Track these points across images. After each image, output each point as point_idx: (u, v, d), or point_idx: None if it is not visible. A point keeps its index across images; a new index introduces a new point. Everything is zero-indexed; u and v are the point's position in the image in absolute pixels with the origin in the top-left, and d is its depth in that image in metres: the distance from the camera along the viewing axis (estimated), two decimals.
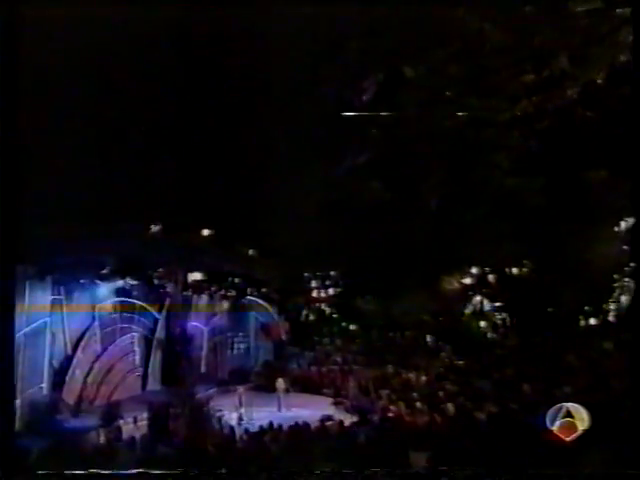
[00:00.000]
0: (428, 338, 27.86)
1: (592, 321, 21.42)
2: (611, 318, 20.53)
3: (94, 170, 14.96)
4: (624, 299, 19.83)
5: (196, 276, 21.21)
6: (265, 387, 22.92)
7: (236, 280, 23.99)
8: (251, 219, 19.93)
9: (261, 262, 23.80)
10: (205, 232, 19.71)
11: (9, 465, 8.80)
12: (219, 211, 18.11)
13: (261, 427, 15.75)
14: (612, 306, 20.53)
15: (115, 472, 9.76)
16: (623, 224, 20.53)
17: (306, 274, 30.35)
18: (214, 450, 14.12)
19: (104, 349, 20.83)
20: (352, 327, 30.62)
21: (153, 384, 23.06)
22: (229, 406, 18.72)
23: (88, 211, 15.44)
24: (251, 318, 26.51)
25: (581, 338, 21.06)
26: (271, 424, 15.00)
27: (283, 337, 25.28)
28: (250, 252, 23.34)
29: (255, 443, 14.00)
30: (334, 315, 31.10)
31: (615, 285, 20.59)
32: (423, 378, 21.66)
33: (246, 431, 15.46)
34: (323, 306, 31.15)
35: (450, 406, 15.70)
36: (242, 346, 26.09)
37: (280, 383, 20.73)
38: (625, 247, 20.67)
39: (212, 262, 20.43)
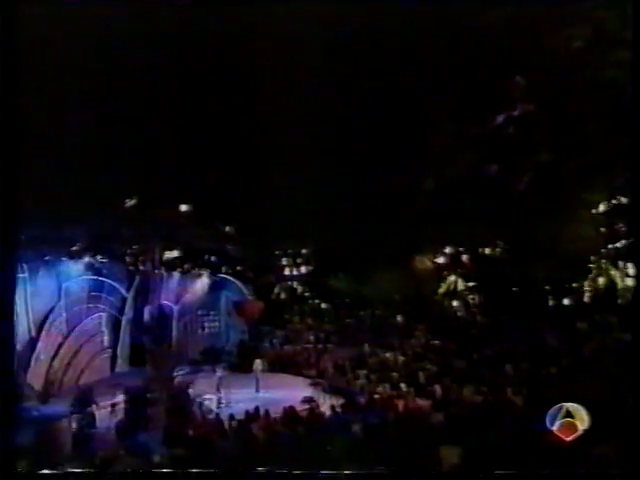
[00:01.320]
0: (402, 318, 27.64)
1: (566, 301, 21.47)
2: (586, 299, 20.61)
3: (62, 139, 13.61)
4: (601, 280, 19.91)
5: (170, 253, 20.00)
6: (240, 367, 22.18)
7: (211, 258, 22.95)
8: (229, 195, 18.94)
9: (238, 239, 22.82)
10: (182, 208, 18.49)
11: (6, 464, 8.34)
12: (197, 186, 17.00)
13: (242, 412, 15.01)
14: (588, 287, 20.60)
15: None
16: (601, 207, 20.57)
17: (280, 252, 29.57)
18: (194, 436, 13.34)
19: (70, 330, 19.55)
20: (324, 306, 30.13)
21: (122, 365, 21.98)
22: (205, 388, 17.82)
23: (56, 183, 14.08)
24: (224, 297, 25.57)
25: (556, 319, 21.11)
26: (256, 409, 14.16)
27: (257, 316, 24.43)
28: (227, 229, 22.33)
29: (237, 428, 13.22)
30: (307, 294, 30.50)
31: (591, 266, 20.66)
32: (401, 358, 21.29)
33: (225, 416, 14.59)
34: (296, 285, 30.50)
35: (437, 388, 15.29)
36: (215, 325, 25.17)
37: (257, 364, 19.94)
38: (602, 229, 20.76)
39: (188, 239, 19.25)
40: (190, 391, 16.23)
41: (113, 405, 16.05)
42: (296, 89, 23.30)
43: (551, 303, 22.16)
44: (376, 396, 15.49)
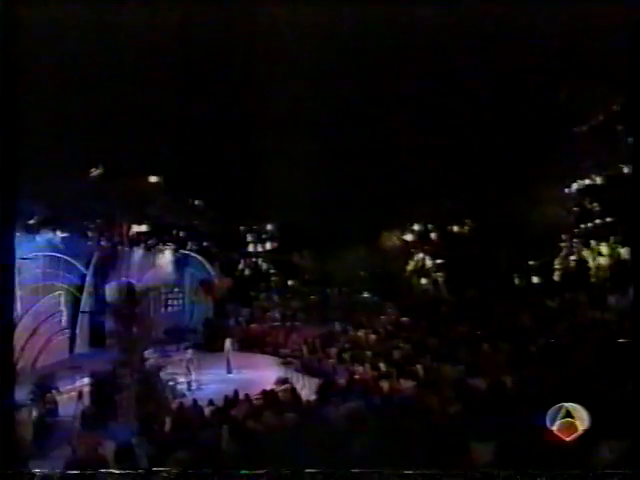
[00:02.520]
0: (370, 295, 27.20)
1: (536, 279, 21.41)
2: (556, 277, 20.56)
3: (19, 103, 11.97)
4: (572, 259, 19.86)
5: (135, 228, 18.52)
6: (208, 347, 21.18)
7: (177, 233, 21.61)
8: (199, 167, 17.63)
9: (206, 214, 21.54)
10: (151, 179, 16.98)
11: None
12: (166, 157, 15.65)
13: (215, 395, 14.08)
14: (558, 265, 20.55)
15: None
16: (573, 186, 20.45)
17: (245, 228, 28.48)
18: (169, 424, 12.36)
19: (26, 310, 17.99)
20: (290, 283, 29.35)
21: (82, 346, 20.59)
22: (174, 369, 16.77)
23: (9, 149, 12.39)
24: (189, 274, 24.35)
25: (526, 297, 21.03)
26: (235, 393, 13.20)
27: (224, 294, 23.38)
28: (196, 202, 20.99)
29: (215, 414, 12.30)
30: (272, 271, 29.60)
31: (562, 245, 20.59)
32: (372, 336, 20.75)
33: (200, 400, 13.63)
34: (261, 261, 29.55)
35: (420, 368, 14.76)
36: (179, 303, 23.97)
37: (228, 344, 18.98)
38: (575, 209, 20.69)
39: (154, 212, 17.80)
40: (159, 374, 15.18)
41: (76, 390, 14.83)
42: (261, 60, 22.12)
43: (520, 281, 22.07)
44: (356, 376, 14.79)
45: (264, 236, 29.82)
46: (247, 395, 12.83)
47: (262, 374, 17.93)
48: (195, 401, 12.72)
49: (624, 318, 16.16)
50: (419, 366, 14.82)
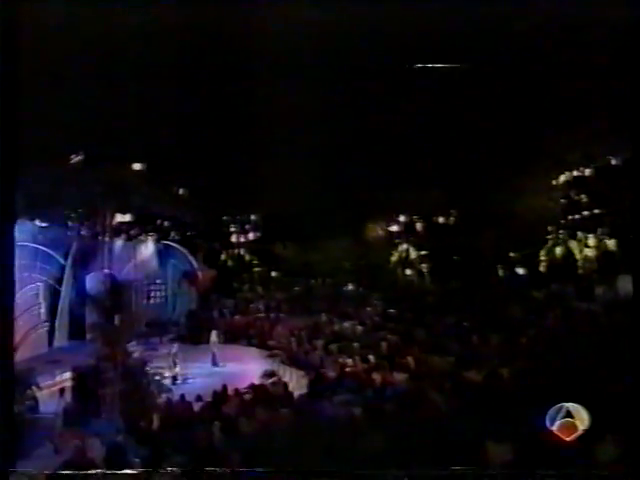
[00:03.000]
0: (354, 286, 26.91)
1: (521, 271, 21.32)
2: (542, 268, 20.50)
3: None
4: (559, 251, 19.80)
5: (117, 217, 17.75)
6: (192, 339, 20.67)
7: (160, 223, 20.93)
8: (185, 155, 17.00)
9: (190, 204, 20.88)
10: (133, 167, 16.21)
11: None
12: (150, 144, 14.99)
13: (202, 389, 13.69)
14: (544, 257, 20.47)
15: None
16: (561, 178, 20.33)
17: (228, 218, 27.86)
18: (152, 419, 11.91)
19: None
20: (274, 274, 28.89)
21: (61, 339, 19.89)
22: (158, 363, 16.26)
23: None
24: (172, 265, 23.71)
25: (511, 287, 20.96)
26: (223, 388, 12.79)
27: (209, 286, 22.82)
28: (180, 191, 20.32)
29: (205, 410, 11.91)
30: (255, 262, 29.09)
31: (548, 237, 20.52)
32: (359, 328, 20.51)
33: (188, 395, 13.19)
34: (244, 252, 29.00)
35: (411, 360, 14.55)
36: (162, 295, 23.33)
37: (214, 336, 18.52)
38: (563, 201, 20.61)
39: (137, 201, 17.08)
40: (143, 368, 14.69)
41: (57, 385, 14.25)
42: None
43: (506, 272, 21.98)
44: (347, 369, 14.53)
45: (247, 226, 29.25)
46: (236, 390, 12.49)
47: (248, 367, 17.57)
48: (182, 396, 12.30)
49: (612, 310, 16.21)
50: (410, 358, 14.65)
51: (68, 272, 21.01)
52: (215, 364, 17.62)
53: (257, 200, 28.47)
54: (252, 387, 13.45)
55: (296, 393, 13.65)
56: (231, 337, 20.74)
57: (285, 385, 14.47)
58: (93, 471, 8.37)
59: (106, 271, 21.17)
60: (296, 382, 15.69)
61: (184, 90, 18.21)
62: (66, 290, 20.94)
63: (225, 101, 21.86)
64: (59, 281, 20.48)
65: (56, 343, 19.70)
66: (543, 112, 21.78)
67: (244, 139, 24.84)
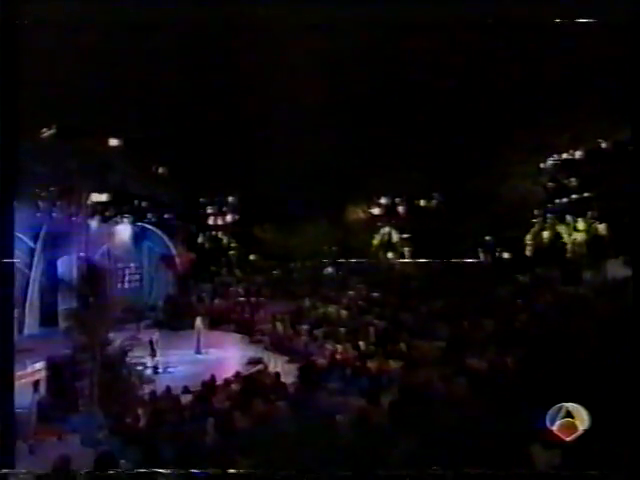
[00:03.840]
0: (335, 270, 26.25)
1: (507, 255, 20.97)
2: (528, 252, 20.15)
3: None
4: (546, 235, 19.43)
5: (92, 196, 16.44)
6: (171, 325, 19.73)
7: (138, 203, 19.69)
8: (165, 131, 15.86)
9: (169, 184, 19.71)
10: (108, 142, 14.83)
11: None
12: (129, 118, 13.77)
13: (187, 379, 12.85)
14: (529, 240, 20.11)
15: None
16: (549, 161, 19.89)
17: (206, 199, 26.77)
18: (134, 413, 11.05)
19: None
20: (252, 257, 28.01)
21: (32, 326, 18.70)
22: (138, 351, 15.28)
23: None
24: (147, 247, 22.58)
25: (496, 271, 20.62)
26: (211, 378, 11.92)
27: (187, 269, 21.80)
28: (157, 170, 19.09)
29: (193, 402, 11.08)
30: (233, 244, 28.14)
31: (534, 220, 20.14)
32: (344, 312, 19.87)
33: (173, 387, 12.30)
34: (222, 235, 28.00)
35: (403, 346, 13.97)
36: (137, 279, 22.23)
37: (198, 322, 17.61)
38: (550, 184, 20.18)
39: (111, 179, 15.79)
40: (122, 357, 13.72)
41: (29, 376, 13.18)
42: None
43: (490, 256, 21.62)
44: (338, 356, 13.85)
45: (225, 208, 28.22)
46: (226, 380, 11.69)
47: (232, 354, 16.80)
48: (169, 388, 11.41)
49: (600, 294, 15.96)
50: (402, 344, 14.07)
51: (38, 255, 19.78)
52: (199, 351, 16.75)
53: (235, 181, 27.55)
54: (239, 376, 12.69)
55: (285, 381, 12.95)
56: (212, 322, 19.84)
57: (275, 374, 13.75)
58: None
59: (79, 254, 20.01)
60: (282, 369, 15.00)
61: (164, 64, 17.05)
62: (36, 274, 19.72)
63: (205, 78, 20.72)
64: (28, 265, 19.25)
65: (26, 330, 18.51)
66: (529, 92, 21.33)
67: (222, 118, 23.76)
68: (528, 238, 20.07)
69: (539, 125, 19.87)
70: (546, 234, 19.28)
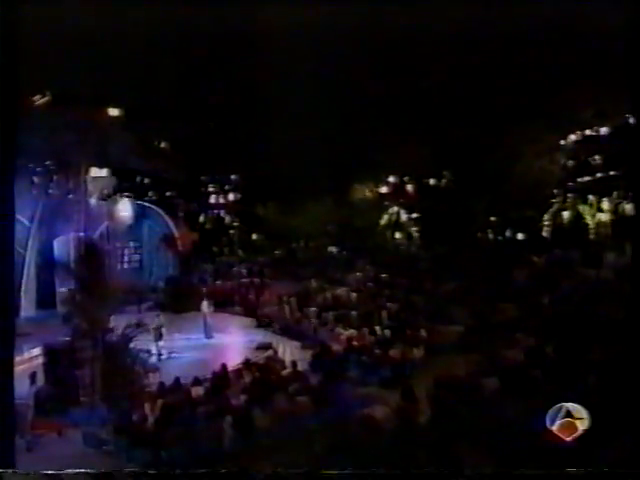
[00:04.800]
0: (340, 250, 25.30)
1: (521, 236, 20.01)
2: (545, 233, 19.18)
3: None
4: (566, 215, 18.42)
5: (90, 172, 15.21)
6: (173, 307, 18.77)
7: (138, 179, 18.50)
8: (167, 103, 14.63)
9: (171, 160, 18.49)
10: (110, 112, 13.52)
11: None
12: (130, 87, 12.52)
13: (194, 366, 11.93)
14: (547, 221, 19.12)
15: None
16: (571, 137, 18.76)
17: (207, 177, 25.62)
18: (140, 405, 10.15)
19: None
20: (255, 237, 27.01)
21: (28, 309, 17.72)
22: (142, 336, 14.29)
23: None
24: (148, 227, 21.49)
25: (510, 254, 19.67)
26: (223, 368, 10.93)
27: (189, 249, 20.74)
28: (159, 145, 17.84)
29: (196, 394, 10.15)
30: (235, 224, 27.10)
31: (553, 200, 19.13)
32: (354, 294, 18.92)
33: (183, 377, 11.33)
34: (224, 214, 26.94)
35: (423, 332, 13.04)
36: (138, 259, 21.21)
37: (205, 305, 16.63)
38: (571, 162, 19.09)
39: (111, 153, 14.56)
40: (125, 342, 12.75)
41: (27, 363, 12.25)
42: None
43: (503, 237, 20.69)
44: (355, 343, 12.91)
45: (227, 187, 27.11)
46: (238, 372, 10.75)
47: (239, 338, 15.90)
48: (178, 380, 10.44)
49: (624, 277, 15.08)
50: (423, 330, 13.17)
51: (34, 234, 18.75)
52: (208, 336, 15.79)
53: (238, 159, 26.40)
54: (249, 363, 11.79)
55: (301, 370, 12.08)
56: (217, 305, 18.85)
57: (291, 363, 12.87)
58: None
59: (76, 233, 18.95)
60: (293, 355, 14.13)
61: (170, 33, 15.72)
62: (31, 255, 18.70)
63: (211, 53, 19.46)
64: (24, 245, 18.20)
65: (23, 313, 17.52)
66: (548, 63, 20.17)
67: (226, 93, 22.54)
68: (546, 218, 19.10)
69: (559, 99, 18.77)
70: (566, 214, 18.30)
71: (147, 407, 9.00)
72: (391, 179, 25.09)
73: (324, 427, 8.12)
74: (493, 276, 18.18)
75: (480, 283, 17.71)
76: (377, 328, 13.90)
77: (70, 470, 7.14)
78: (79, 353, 11.35)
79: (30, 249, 17.94)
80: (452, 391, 8.58)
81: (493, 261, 19.52)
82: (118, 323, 13.35)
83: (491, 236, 22.25)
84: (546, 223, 19.04)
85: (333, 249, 26.07)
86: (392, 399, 9.37)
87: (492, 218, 21.66)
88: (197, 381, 10.03)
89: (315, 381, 10.23)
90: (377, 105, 24.37)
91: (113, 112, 13.36)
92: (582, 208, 17.70)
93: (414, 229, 23.90)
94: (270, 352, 14.32)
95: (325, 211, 25.49)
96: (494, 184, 21.73)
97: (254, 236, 27.24)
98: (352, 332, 13.97)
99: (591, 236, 17.49)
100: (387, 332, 13.46)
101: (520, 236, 20.10)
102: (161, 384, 10.60)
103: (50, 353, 11.50)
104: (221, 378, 10.31)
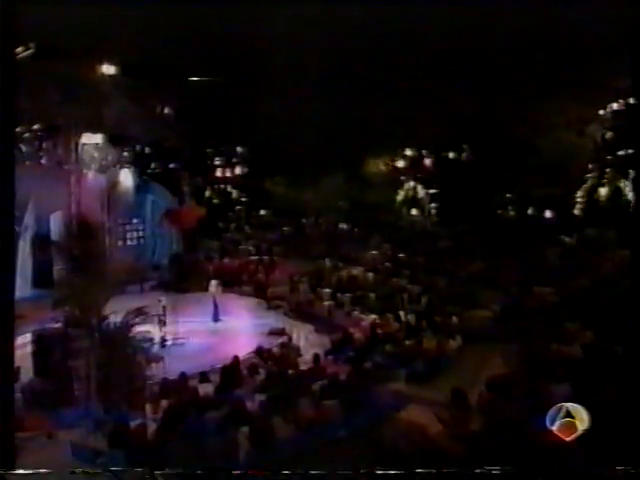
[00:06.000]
0: (351, 227, 23.86)
1: (550, 214, 18.51)
2: (577, 211, 17.67)
3: None
4: (603, 191, 16.85)
5: (84, 138, 13.62)
6: (177, 287, 17.49)
7: (139, 149, 17.00)
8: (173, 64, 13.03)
9: (175, 127, 16.89)
10: (106, 69, 11.84)
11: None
12: (130, 40, 10.92)
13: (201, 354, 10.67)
14: (580, 198, 17.61)
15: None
16: (608, 108, 17.05)
17: (212, 150, 24.11)
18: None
19: None
20: (263, 212, 25.61)
21: (23, 288, 16.42)
22: (144, 320, 12.96)
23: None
24: (150, 201, 20.07)
25: (537, 233, 18.21)
26: (235, 360, 9.63)
27: (194, 225, 19.30)
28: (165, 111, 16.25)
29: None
30: (243, 199, 25.67)
31: (589, 176, 17.55)
32: (371, 275, 17.58)
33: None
34: (230, 188, 25.51)
35: (455, 319, 11.70)
36: (140, 236, 19.82)
37: (213, 286, 15.34)
38: (609, 135, 17.35)
39: (109, 117, 12.92)
40: (125, 329, 11.43)
41: (21, 350, 10.95)
42: None
43: (528, 215, 19.22)
44: (379, 330, 11.58)
45: (234, 159, 25.62)
46: (251, 368, 9.42)
47: (249, 322, 14.62)
48: (184, 374, 9.16)
49: None
50: (454, 317, 11.82)
51: (29, 209, 17.43)
52: (217, 319, 14.50)
53: (245, 129, 24.82)
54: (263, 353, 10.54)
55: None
56: (224, 285, 17.58)
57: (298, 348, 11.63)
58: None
59: (73, 208, 17.55)
60: (308, 342, 12.88)
61: None
62: (26, 230, 17.39)
63: (229, 17, 17.75)
64: (18, 220, 16.87)
65: (17, 293, 16.24)
66: (581, 28, 18.42)
67: (234, 57, 20.88)
68: (579, 195, 17.57)
69: (593, 68, 17.11)
70: (603, 191, 16.76)
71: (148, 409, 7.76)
72: (408, 152, 23.53)
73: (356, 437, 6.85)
74: (520, 256, 16.84)
75: (507, 264, 16.40)
76: (401, 313, 12.57)
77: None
78: (72, 342, 10.07)
79: (25, 224, 16.61)
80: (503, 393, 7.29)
81: (519, 240, 18.14)
82: (118, 307, 12.05)
83: (513, 213, 20.82)
84: (579, 200, 17.54)
85: (344, 226, 24.68)
86: (428, 397, 8.14)
87: (514, 194, 20.17)
88: (204, 377, 8.75)
89: (339, 376, 8.88)
90: (393, 73, 22.65)
91: (108, 69, 11.72)
92: (618, 184, 16.16)
93: (432, 206, 22.43)
94: (284, 338, 13.09)
95: (337, 186, 24.00)
96: (519, 158, 20.21)
97: (262, 212, 25.91)
98: (374, 317, 12.62)
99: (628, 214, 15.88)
100: (412, 317, 12.12)
101: (548, 214, 18.60)
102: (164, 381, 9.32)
103: (39, 342, 10.20)
104: (231, 374, 9.02)
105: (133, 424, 7.22)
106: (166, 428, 6.80)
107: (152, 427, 7.03)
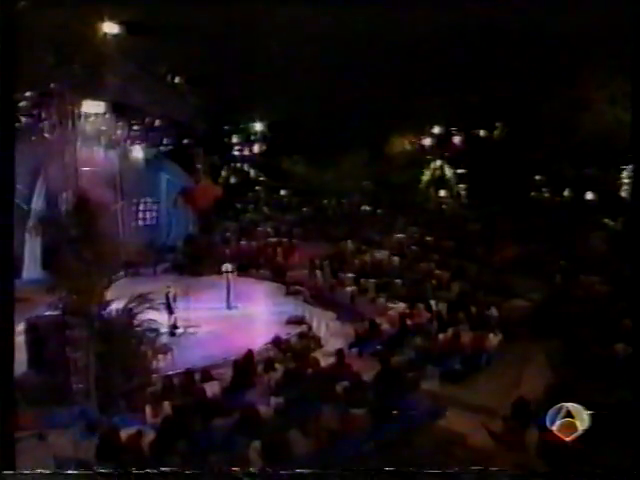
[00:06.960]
0: (373, 208, 22.69)
1: (580, 194, 17.11)
2: (623, 193, 16.21)
3: None
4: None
5: (92, 108, 12.53)
6: (192, 270, 16.63)
7: (149, 121, 15.91)
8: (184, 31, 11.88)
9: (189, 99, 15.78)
10: (109, 28, 10.57)
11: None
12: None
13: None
14: (613, 178, 16.16)
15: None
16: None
17: (231, 127, 23.02)
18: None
19: None
20: (285, 193, 24.55)
21: (32, 270, 15.69)
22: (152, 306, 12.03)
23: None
24: (165, 180, 19.13)
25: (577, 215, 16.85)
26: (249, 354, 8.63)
27: (211, 205, 18.33)
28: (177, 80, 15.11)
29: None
30: (261, 178, 24.64)
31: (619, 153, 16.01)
32: (396, 259, 16.44)
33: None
34: (248, 167, 24.46)
35: (494, 311, 10.54)
36: (153, 216, 18.92)
37: (227, 268, 14.37)
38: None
39: (119, 87, 11.83)
40: (131, 319, 10.43)
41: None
42: None
43: (567, 197, 17.83)
44: (408, 321, 10.47)
45: (252, 137, 24.50)
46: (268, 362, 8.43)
47: (266, 309, 13.65)
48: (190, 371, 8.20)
49: None
50: (493, 308, 10.65)
51: (39, 187, 16.64)
52: (230, 306, 13.56)
53: (263, 106, 23.65)
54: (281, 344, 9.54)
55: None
56: (240, 268, 16.60)
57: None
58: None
59: (81, 186, 16.66)
60: (330, 332, 11.88)
61: None
62: (36, 208, 16.63)
63: None
64: (27, 199, 16.10)
65: (25, 275, 15.49)
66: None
67: (251, 27, 19.64)
68: (624, 175, 16.10)
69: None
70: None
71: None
72: (435, 130, 22.14)
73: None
74: (558, 241, 15.54)
75: (545, 249, 15.13)
76: (432, 303, 11.43)
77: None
78: (72, 330, 9.15)
79: (35, 202, 15.79)
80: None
81: (556, 224, 16.80)
82: (127, 291, 11.09)
83: (548, 195, 19.40)
84: (624, 180, 16.08)
85: (367, 207, 23.53)
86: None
87: (550, 175, 18.74)
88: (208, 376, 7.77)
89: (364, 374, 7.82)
90: (421, 46, 21.13)
91: (111, 28, 10.56)
92: None
93: (461, 186, 21.09)
94: (304, 327, 12.11)
95: (360, 165, 22.81)
96: (556, 135, 18.73)
97: (281, 192, 24.88)
98: (402, 306, 11.50)
99: None
100: (442, 307, 10.98)
101: (589, 196, 17.17)
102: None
103: (33, 331, 9.30)
104: (244, 371, 8.02)
105: (126, 432, 6.26)
106: (164, 438, 5.84)
107: (149, 436, 6.08)
